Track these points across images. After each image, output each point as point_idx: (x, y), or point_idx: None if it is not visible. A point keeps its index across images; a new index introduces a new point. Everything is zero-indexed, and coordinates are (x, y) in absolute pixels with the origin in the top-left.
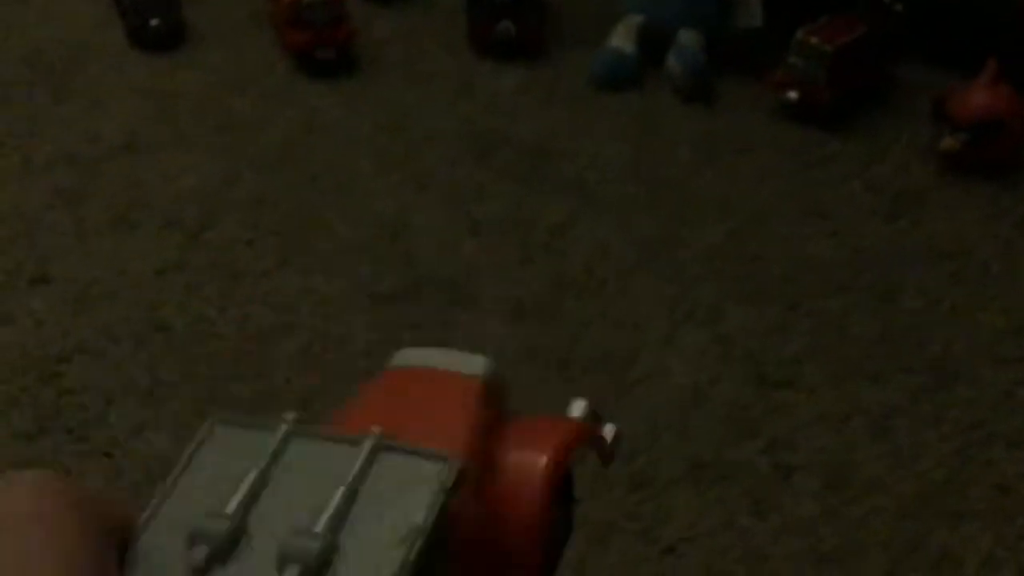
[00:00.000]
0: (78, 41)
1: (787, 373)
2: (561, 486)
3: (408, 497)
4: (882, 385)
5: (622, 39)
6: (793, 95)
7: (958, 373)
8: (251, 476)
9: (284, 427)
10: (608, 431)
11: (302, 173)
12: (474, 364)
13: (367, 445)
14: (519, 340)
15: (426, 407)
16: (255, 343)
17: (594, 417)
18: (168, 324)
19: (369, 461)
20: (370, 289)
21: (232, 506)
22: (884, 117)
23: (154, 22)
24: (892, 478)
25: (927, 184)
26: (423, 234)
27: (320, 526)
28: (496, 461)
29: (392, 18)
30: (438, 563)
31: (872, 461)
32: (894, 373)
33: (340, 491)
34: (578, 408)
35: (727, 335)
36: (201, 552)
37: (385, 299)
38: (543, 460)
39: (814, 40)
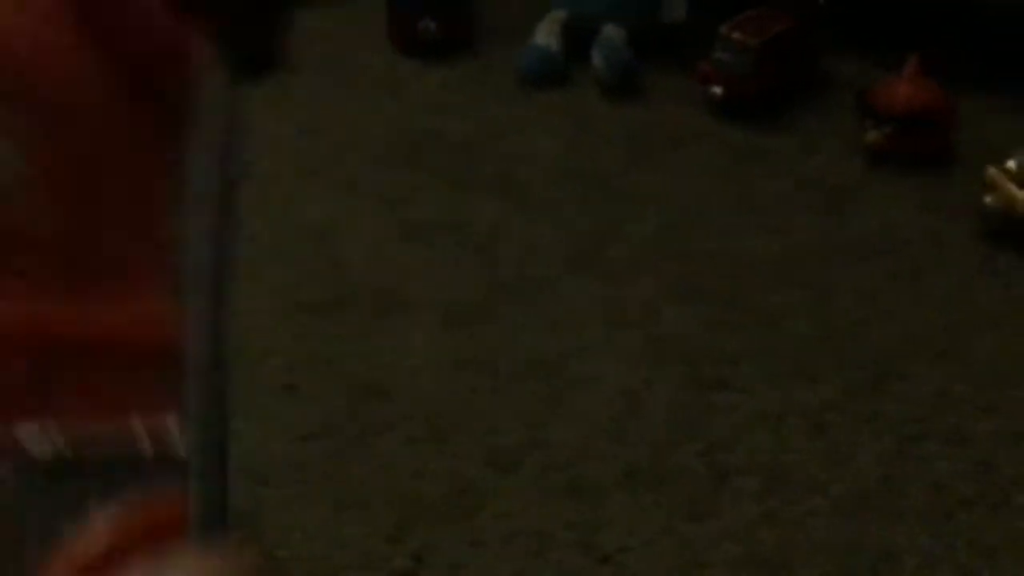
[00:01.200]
0: None
1: (723, 373)
2: None
3: None
4: (818, 383)
5: (547, 35)
6: (719, 90)
7: (893, 370)
8: None
9: None
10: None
11: None
12: None
13: None
14: (450, 347)
15: None
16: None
17: None
18: None
19: None
20: (295, 299)
21: None
22: (813, 112)
23: None
24: (829, 477)
25: (858, 179)
26: (351, 240)
27: None
28: None
29: (311, 17)
30: None
31: (809, 461)
32: (829, 371)
33: None
34: None
35: (662, 336)
36: None
37: (311, 308)
38: None
39: (738, 35)
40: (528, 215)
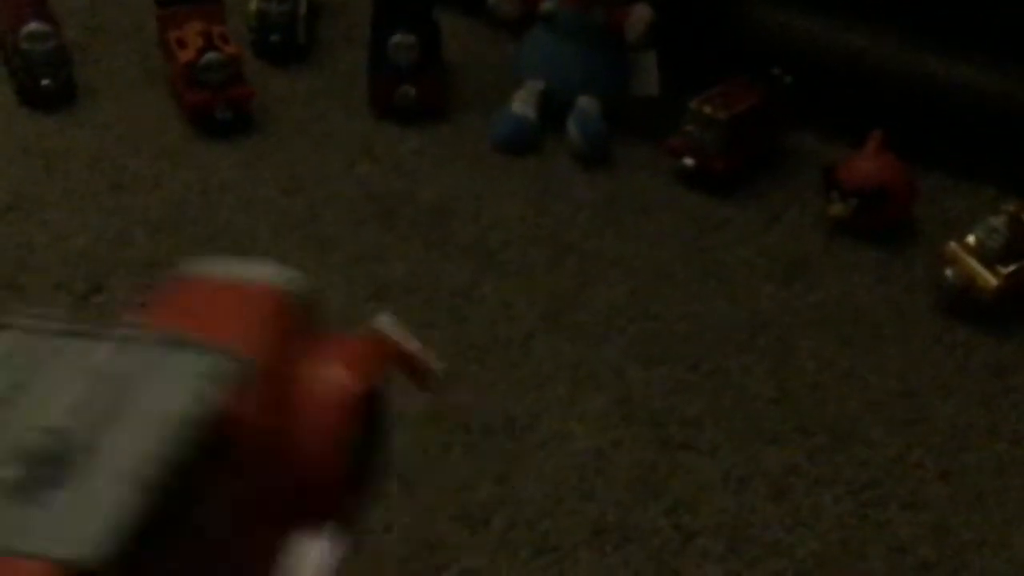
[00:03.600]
0: None
1: (688, 435)
2: (368, 408)
3: (171, 390)
4: (780, 446)
5: (523, 104)
6: (689, 162)
7: (853, 434)
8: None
9: (35, 322)
10: (417, 348)
11: (198, 234)
12: (276, 276)
13: (125, 336)
14: (421, 405)
15: (219, 311)
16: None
17: (403, 336)
18: None
19: (127, 353)
20: None
21: None
22: (776, 185)
23: (45, 81)
24: (791, 539)
25: (819, 250)
26: (323, 297)
27: (56, 422)
28: (297, 374)
29: (290, 80)
30: (213, 465)
31: (772, 523)
32: (791, 434)
33: (87, 386)
34: (386, 322)
35: (629, 397)
36: None
37: None
38: (346, 373)
39: (708, 109)
40: (498, 278)
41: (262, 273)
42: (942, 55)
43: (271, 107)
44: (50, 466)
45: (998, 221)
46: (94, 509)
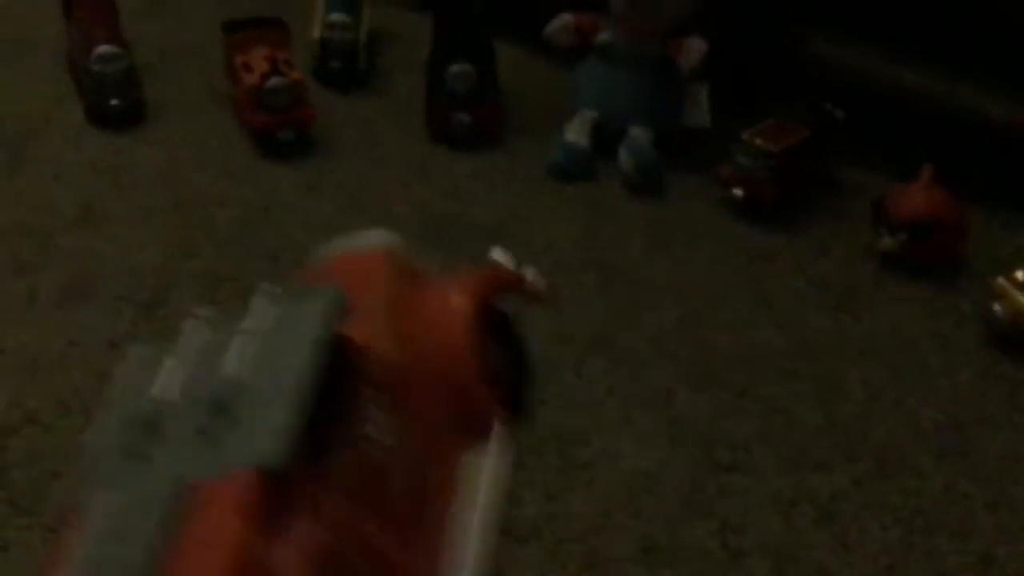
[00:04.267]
0: (38, 116)
1: (736, 457)
2: (498, 326)
3: (298, 327)
4: (827, 472)
5: (576, 133)
6: (739, 192)
7: (900, 463)
8: (166, 362)
9: (189, 320)
10: (530, 273)
11: (260, 251)
12: (384, 238)
13: (256, 299)
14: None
15: (343, 275)
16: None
17: (513, 262)
18: None
19: (261, 312)
20: None
21: (152, 390)
22: (827, 217)
23: (114, 101)
24: (838, 564)
25: (868, 282)
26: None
27: (222, 372)
28: (419, 311)
29: (351, 104)
30: (355, 390)
31: (818, 547)
32: (838, 461)
33: (237, 341)
34: (496, 254)
35: (678, 419)
36: (129, 434)
37: None
38: (460, 299)
39: (759, 141)
40: (550, 299)
41: (371, 239)
42: (992, 91)
43: (331, 130)
44: (224, 406)
45: None
46: (269, 425)
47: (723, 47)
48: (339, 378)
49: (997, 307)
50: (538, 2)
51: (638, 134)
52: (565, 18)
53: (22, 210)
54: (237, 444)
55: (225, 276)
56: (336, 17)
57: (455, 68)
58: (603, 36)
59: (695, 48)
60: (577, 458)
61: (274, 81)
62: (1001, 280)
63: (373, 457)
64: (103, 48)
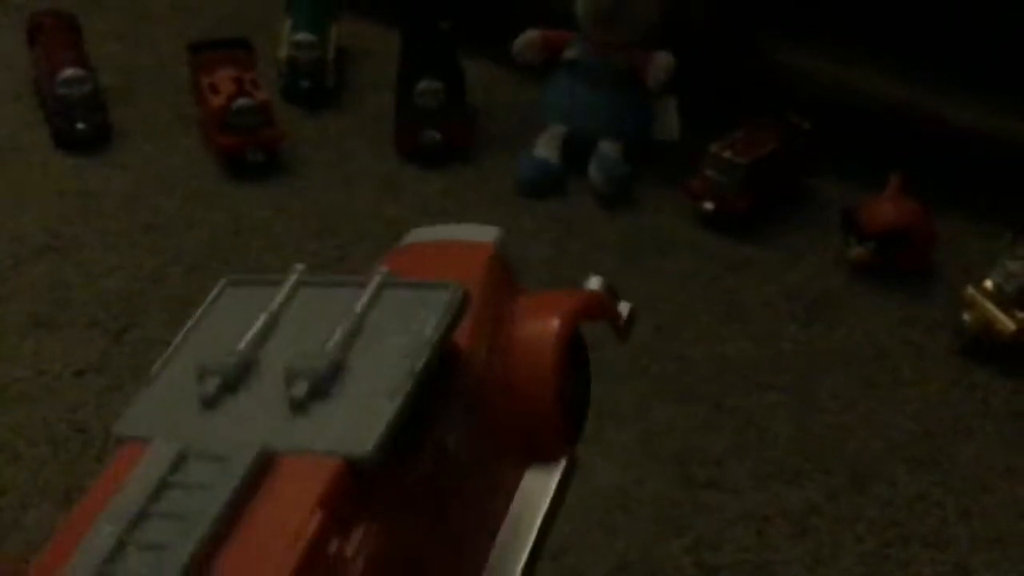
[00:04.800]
0: (3, 141)
1: (711, 473)
2: (574, 351)
3: (415, 320)
4: (801, 485)
5: (546, 148)
6: (709, 205)
7: (874, 474)
8: (261, 318)
9: (294, 276)
10: (624, 307)
11: (231, 273)
12: (485, 233)
13: (375, 281)
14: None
15: (440, 268)
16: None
17: (611, 292)
18: (87, 426)
19: (377, 295)
20: None
21: (242, 344)
22: (797, 228)
23: (80, 125)
24: None
25: (840, 291)
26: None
27: (327, 348)
28: (510, 322)
29: (319, 123)
30: (447, 397)
31: (793, 561)
32: (812, 473)
33: (347, 320)
34: (594, 282)
35: (652, 434)
36: (212, 384)
37: None
38: (555, 321)
39: (727, 153)
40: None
41: (474, 231)
42: (960, 100)
43: (300, 150)
44: (325, 384)
45: (1015, 266)
46: (366, 416)
47: (691, 59)
48: (437, 380)
49: (967, 316)
50: (506, 18)
51: (607, 148)
52: (532, 34)
53: None
54: (332, 428)
55: (196, 301)
56: (302, 36)
57: (423, 85)
58: (570, 51)
59: (663, 62)
60: None
61: (241, 102)
62: (971, 289)
63: (447, 470)
64: (68, 71)
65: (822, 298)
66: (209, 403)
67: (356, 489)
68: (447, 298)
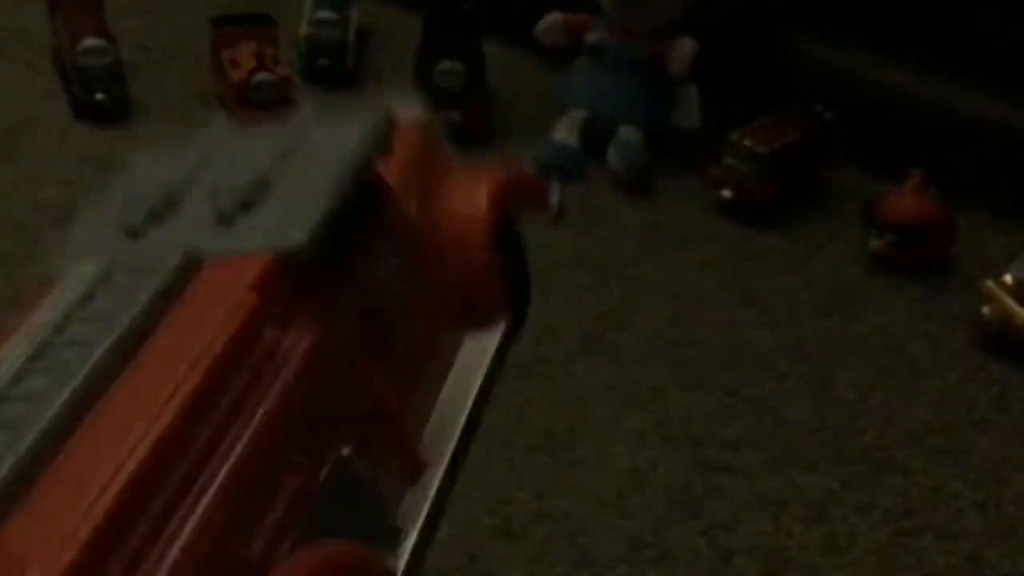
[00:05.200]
0: (22, 111)
1: (726, 458)
2: (506, 228)
3: (342, 141)
4: (817, 472)
5: (566, 132)
6: (728, 193)
7: (890, 464)
8: (192, 156)
9: (215, 122)
10: (554, 187)
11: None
12: (412, 109)
13: (304, 113)
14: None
15: None
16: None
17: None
18: None
19: (303, 128)
20: None
21: (168, 180)
22: (817, 218)
23: (99, 95)
24: (827, 564)
25: (858, 282)
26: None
27: (252, 171)
28: (442, 191)
29: (337, 103)
30: (376, 226)
31: (808, 547)
32: (828, 461)
33: (275, 145)
34: (527, 162)
35: (668, 418)
36: (136, 214)
37: None
38: (486, 190)
39: (748, 142)
40: (542, 299)
41: (405, 111)
42: (982, 93)
43: None
44: (251, 196)
45: None
46: (295, 216)
47: (713, 48)
48: (365, 209)
49: (986, 309)
50: (528, 1)
51: (628, 134)
52: (555, 17)
53: (6, 206)
54: (261, 231)
55: None
56: (323, 14)
57: (443, 66)
58: (592, 36)
59: (685, 48)
60: (567, 457)
61: (260, 76)
62: (990, 283)
63: (382, 295)
64: (89, 41)
65: (841, 289)
66: (136, 232)
67: (290, 284)
68: (371, 122)
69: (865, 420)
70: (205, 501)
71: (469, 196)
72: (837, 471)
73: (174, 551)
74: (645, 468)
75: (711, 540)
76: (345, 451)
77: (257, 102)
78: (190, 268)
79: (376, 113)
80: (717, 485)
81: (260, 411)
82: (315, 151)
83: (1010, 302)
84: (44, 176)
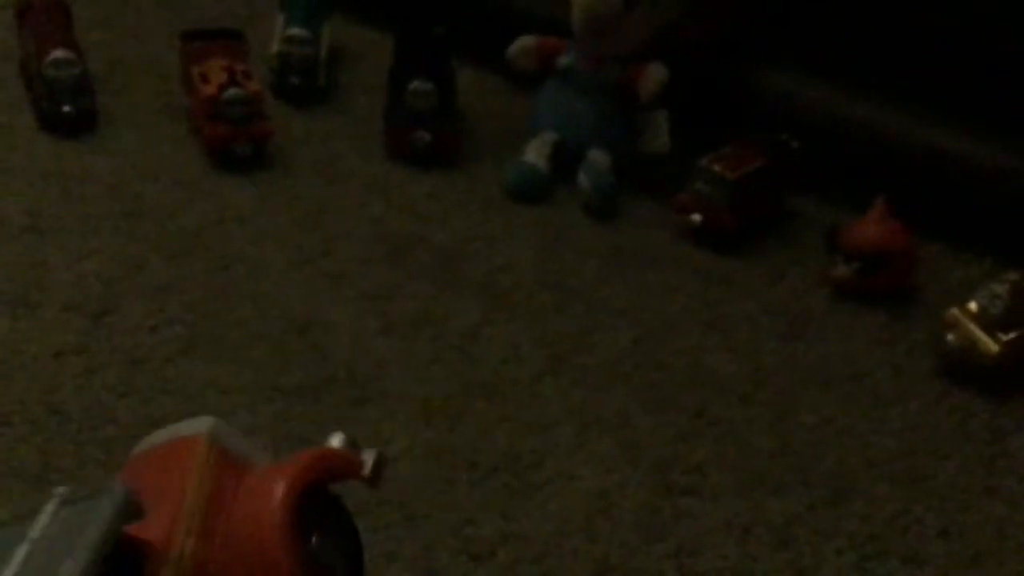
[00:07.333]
0: None
1: (692, 481)
2: (325, 512)
3: (80, 533)
4: (782, 496)
5: (535, 154)
6: (697, 218)
7: (854, 489)
8: None
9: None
10: (368, 455)
11: (212, 262)
12: (200, 425)
13: (51, 504)
14: (427, 439)
15: (158, 473)
16: (154, 431)
17: (352, 446)
18: (63, 408)
19: (55, 517)
20: (276, 381)
21: None
22: (781, 244)
23: (66, 107)
24: None
25: (821, 310)
26: (333, 330)
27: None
28: (233, 502)
29: (309, 120)
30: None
31: (773, 571)
32: (793, 486)
33: (24, 546)
34: (335, 440)
35: (634, 441)
36: None
37: (292, 392)
38: (276, 482)
39: (717, 167)
40: (507, 319)
41: (191, 426)
42: (945, 126)
43: (289, 146)
44: None
45: (1000, 288)
46: None
47: (682, 74)
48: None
49: (950, 337)
50: (500, 24)
51: (597, 157)
52: (527, 40)
53: None
54: None
55: (174, 288)
56: (296, 32)
57: (415, 86)
58: (563, 60)
59: (655, 74)
60: (532, 479)
61: (231, 92)
62: (954, 310)
63: None
64: (57, 53)
65: (804, 315)
66: None
67: None
68: (106, 506)
69: (827, 446)
70: None
71: (259, 505)
72: (801, 495)
73: None
74: (611, 490)
75: (677, 564)
76: None
77: (228, 118)
78: None
79: (111, 497)
80: (683, 508)
81: None
82: (58, 550)
83: (974, 329)
84: (7, 186)
